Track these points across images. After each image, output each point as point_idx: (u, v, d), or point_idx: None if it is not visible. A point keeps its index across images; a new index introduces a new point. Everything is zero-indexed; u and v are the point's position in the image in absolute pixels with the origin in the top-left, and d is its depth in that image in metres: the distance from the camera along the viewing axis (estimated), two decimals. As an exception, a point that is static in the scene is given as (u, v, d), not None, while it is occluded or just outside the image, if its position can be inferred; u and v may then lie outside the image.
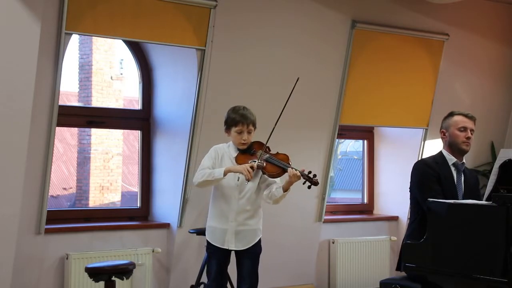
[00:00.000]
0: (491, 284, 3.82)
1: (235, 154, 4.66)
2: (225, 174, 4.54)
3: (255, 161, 4.55)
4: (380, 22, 6.89)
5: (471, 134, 4.64)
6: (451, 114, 4.73)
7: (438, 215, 4.10)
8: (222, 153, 4.71)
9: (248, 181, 4.52)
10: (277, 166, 4.57)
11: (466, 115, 4.68)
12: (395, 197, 7.44)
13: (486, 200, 4.22)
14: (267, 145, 4.66)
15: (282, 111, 4.71)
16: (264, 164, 4.58)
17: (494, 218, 3.85)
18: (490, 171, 4.41)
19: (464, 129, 4.62)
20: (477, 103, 7.62)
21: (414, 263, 4.21)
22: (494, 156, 7.51)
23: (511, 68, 7.93)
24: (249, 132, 4.65)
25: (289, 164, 4.58)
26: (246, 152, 4.66)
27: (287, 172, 4.55)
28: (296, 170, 4.51)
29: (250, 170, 4.48)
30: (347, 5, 6.68)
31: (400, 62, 7.11)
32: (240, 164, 4.58)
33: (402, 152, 7.46)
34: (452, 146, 4.64)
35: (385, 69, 7.02)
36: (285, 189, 4.57)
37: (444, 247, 4.05)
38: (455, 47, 7.36)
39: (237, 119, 4.63)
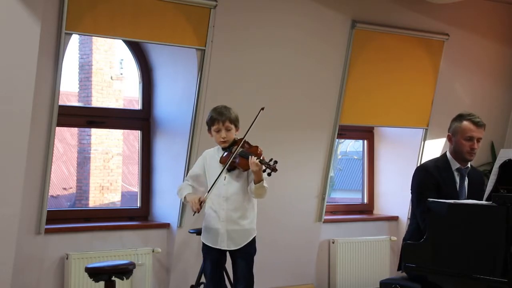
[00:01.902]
0: (491, 284, 3.81)
1: (221, 154, 4.66)
2: (185, 199, 4.65)
3: (206, 194, 4.54)
4: (380, 22, 6.89)
5: (478, 143, 4.50)
6: (460, 118, 4.54)
7: (438, 215, 4.10)
8: (210, 158, 4.71)
9: (196, 213, 4.54)
10: (245, 158, 4.52)
11: (476, 123, 4.49)
12: (395, 197, 7.44)
13: (486, 200, 4.21)
14: (246, 140, 4.60)
15: (247, 132, 4.60)
16: (237, 161, 4.54)
17: (494, 218, 3.85)
18: (490, 171, 4.39)
19: (471, 138, 4.48)
20: (477, 103, 7.61)
21: (414, 263, 4.21)
22: (494, 156, 7.51)
23: (511, 68, 7.93)
24: (227, 130, 4.61)
25: (258, 154, 4.49)
26: (228, 150, 4.64)
27: None
28: (256, 158, 4.44)
29: (196, 202, 4.49)
30: (347, 5, 6.68)
31: (400, 62, 7.10)
32: (223, 163, 4.57)
33: (402, 152, 7.46)
34: (457, 153, 4.54)
35: (385, 69, 7.02)
36: (255, 181, 4.50)
37: (444, 247, 4.05)
38: (455, 47, 7.36)
39: (214, 117, 4.63)
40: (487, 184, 4.32)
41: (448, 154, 4.61)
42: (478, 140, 4.51)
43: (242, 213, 4.63)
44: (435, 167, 4.55)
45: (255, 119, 4.57)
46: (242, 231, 4.63)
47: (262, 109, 4.59)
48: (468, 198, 4.52)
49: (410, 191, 4.65)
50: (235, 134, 4.66)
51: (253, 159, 4.43)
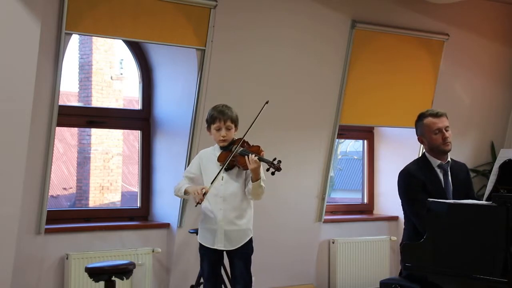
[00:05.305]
0: (491, 284, 3.81)
1: (219, 154, 4.66)
2: (185, 193, 4.59)
3: (210, 185, 4.50)
4: (380, 22, 6.89)
5: (447, 131, 4.53)
6: (421, 117, 4.60)
7: (438, 215, 4.10)
8: (206, 158, 4.69)
9: (198, 204, 4.49)
10: (245, 157, 4.53)
11: (435, 115, 4.55)
12: (395, 197, 7.30)
13: (486, 200, 4.22)
14: (245, 139, 4.59)
15: (251, 126, 4.58)
16: (237, 159, 4.52)
17: (494, 218, 3.85)
18: (490, 171, 4.39)
19: (439, 130, 4.51)
20: (477, 103, 7.62)
21: (414, 263, 4.21)
22: (494, 156, 7.51)
23: (511, 68, 7.93)
24: (227, 129, 4.61)
25: (259, 153, 4.49)
26: (226, 149, 4.64)
27: None
28: (254, 155, 4.44)
29: (200, 192, 4.44)
30: (347, 5, 6.68)
31: (400, 62, 7.11)
32: (221, 162, 4.55)
33: (402, 152, 7.45)
34: (433, 149, 4.55)
35: (385, 69, 7.02)
36: (252, 179, 4.50)
37: (444, 247, 4.04)
38: (455, 47, 7.36)
39: (215, 115, 4.62)
40: (484, 184, 4.31)
41: (426, 154, 4.62)
42: (446, 129, 4.53)
43: (239, 213, 4.62)
44: (417, 168, 4.57)
45: (259, 113, 4.55)
46: (239, 231, 4.63)
47: (267, 102, 4.57)
48: (454, 193, 4.51)
49: (398, 196, 4.67)
50: (233, 134, 4.67)
51: (251, 157, 4.43)
